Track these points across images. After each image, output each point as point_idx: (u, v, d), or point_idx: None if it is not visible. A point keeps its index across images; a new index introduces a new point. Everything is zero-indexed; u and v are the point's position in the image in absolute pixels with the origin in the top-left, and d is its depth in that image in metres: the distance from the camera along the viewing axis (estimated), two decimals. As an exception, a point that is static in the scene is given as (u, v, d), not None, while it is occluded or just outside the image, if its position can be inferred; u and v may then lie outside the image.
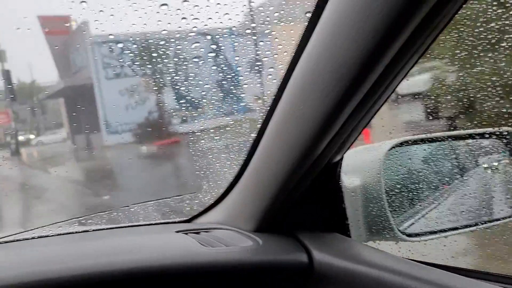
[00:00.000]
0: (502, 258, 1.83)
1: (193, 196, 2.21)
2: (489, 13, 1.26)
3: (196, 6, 1.72)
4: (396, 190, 1.62)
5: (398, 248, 1.59)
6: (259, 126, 1.46)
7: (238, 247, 1.49)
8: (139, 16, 1.94)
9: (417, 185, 1.68)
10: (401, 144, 1.66)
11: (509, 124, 1.69)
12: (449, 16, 0.96)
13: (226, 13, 1.76)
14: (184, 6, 1.74)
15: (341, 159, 1.49)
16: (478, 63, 1.45)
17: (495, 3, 1.28)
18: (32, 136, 13.06)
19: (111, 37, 2.09)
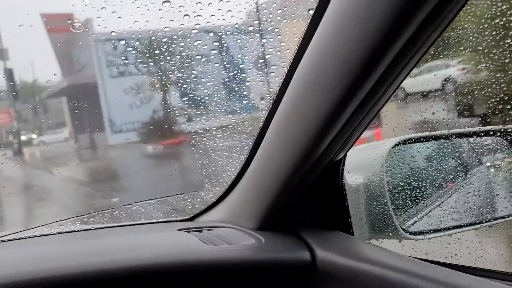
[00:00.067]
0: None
1: (195, 194, 2.21)
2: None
3: (199, 3, 1.72)
4: (399, 188, 1.61)
5: (401, 246, 1.58)
6: (261, 124, 1.46)
7: (240, 245, 1.48)
8: (141, 13, 1.94)
9: (420, 183, 1.67)
10: (404, 142, 1.66)
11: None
12: (450, 16, 0.95)
13: (229, 10, 1.76)
14: (186, 3, 1.73)
15: (344, 157, 1.48)
16: (483, 60, 1.44)
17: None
18: (34, 136, 13.06)
19: (113, 34, 2.09)
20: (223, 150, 2.33)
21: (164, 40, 2.24)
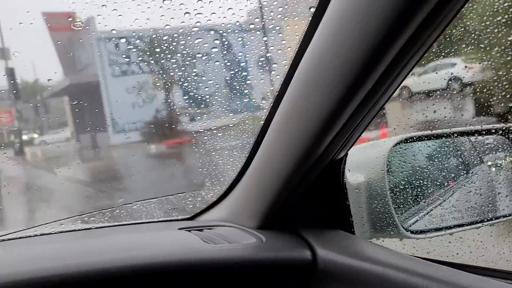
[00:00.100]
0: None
1: (196, 193, 2.21)
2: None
3: (199, 0, 1.71)
4: (401, 187, 1.61)
5: (403, 245, 1.58)
6: (262, 123, 1.46)
7: (241, 244, 1.48)
8: (142, 11, 1.94)
9: (421, 182, 1.67)
10: (405, 141, 1.65)
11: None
12: (450, 15, 0.95)
13: (230, 8, 1.76)
14: (187, 0, 1.73)
15: (345, 156, 1.48)
16: (485, 57, 1.44)
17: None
18: (35, 135, 13.06)
19: (114, 32, 2.09)
20: (224, 149, 2.33)
21: (165, 38, 2.24)
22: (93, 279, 1.28)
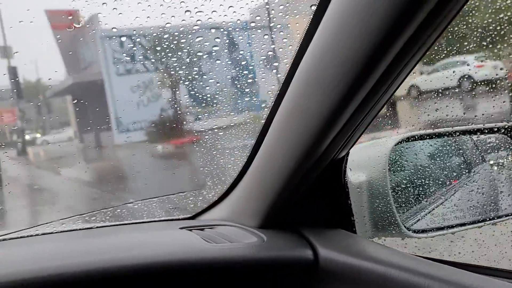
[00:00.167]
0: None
1: (197, 192, 2.21)
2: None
3: (200, -1, 1.71)
4: (402, 186, 1.61)
5: (404, 244, 1.58)
6: (263, 122, 1.45)
7: (242, 244, 1.48)
8: (142, 9, 1.94)
9: (423, 181, 1.66)
10: (407, 140, 1.65)
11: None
12: (451, 15, 0.95)
13: (231, 6, 1.75)
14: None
15: (347, 155, 1.48)
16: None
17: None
18: (38, 135, 13.07)
19: (114, 30, 2.09)
20: (225, 148, 2.33)
21: (165, 36, 2.24)
22: (94, 279, 1.28)
